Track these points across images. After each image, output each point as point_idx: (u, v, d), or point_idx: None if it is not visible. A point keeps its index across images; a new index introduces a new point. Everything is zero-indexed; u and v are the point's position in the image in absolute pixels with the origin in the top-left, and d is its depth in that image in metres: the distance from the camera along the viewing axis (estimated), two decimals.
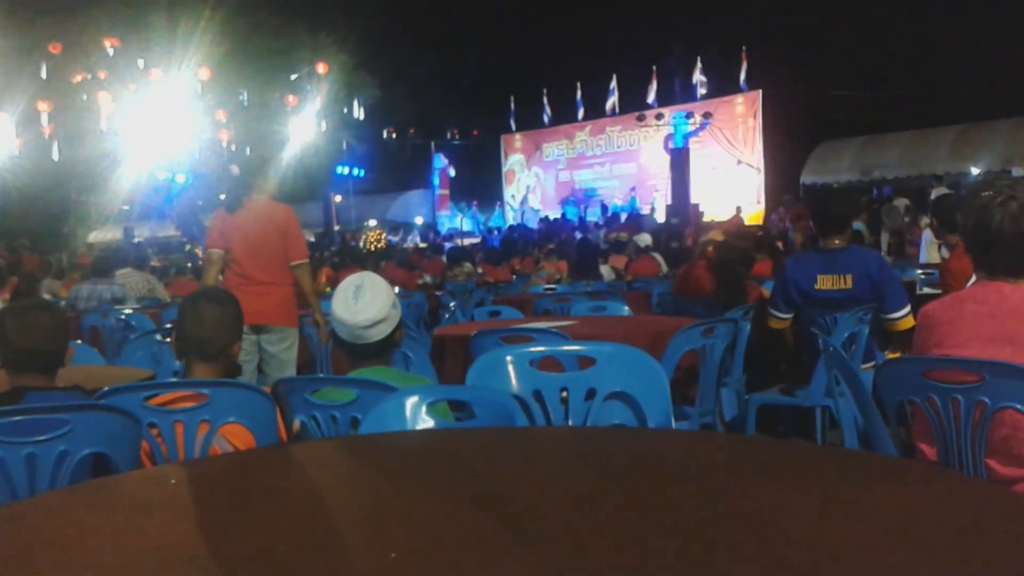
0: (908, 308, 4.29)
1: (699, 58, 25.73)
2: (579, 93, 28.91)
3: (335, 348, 2.82)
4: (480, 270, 11.94)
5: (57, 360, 2.57)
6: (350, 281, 2.68)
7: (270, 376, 4.84)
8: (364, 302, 2.59)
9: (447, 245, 20.03)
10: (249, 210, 5.09)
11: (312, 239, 26.42)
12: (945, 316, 2.38)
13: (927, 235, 13.09)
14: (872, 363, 4.26)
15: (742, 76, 24.95)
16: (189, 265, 12.89)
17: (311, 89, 22.63)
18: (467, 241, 23.45)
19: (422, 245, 23.20)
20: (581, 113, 29.19)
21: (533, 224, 26.85)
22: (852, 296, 4.32)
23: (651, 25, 27.58)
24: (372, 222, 30.08)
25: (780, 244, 10.54)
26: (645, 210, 24.43)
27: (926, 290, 6.68)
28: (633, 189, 26.56)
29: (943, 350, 2.33)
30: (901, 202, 18.01)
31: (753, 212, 23.00)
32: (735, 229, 15.94)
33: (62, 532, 1.35)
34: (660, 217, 22.93)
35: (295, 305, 5.18)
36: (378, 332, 2.62)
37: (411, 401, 2.10)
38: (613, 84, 27.79)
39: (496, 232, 25.74)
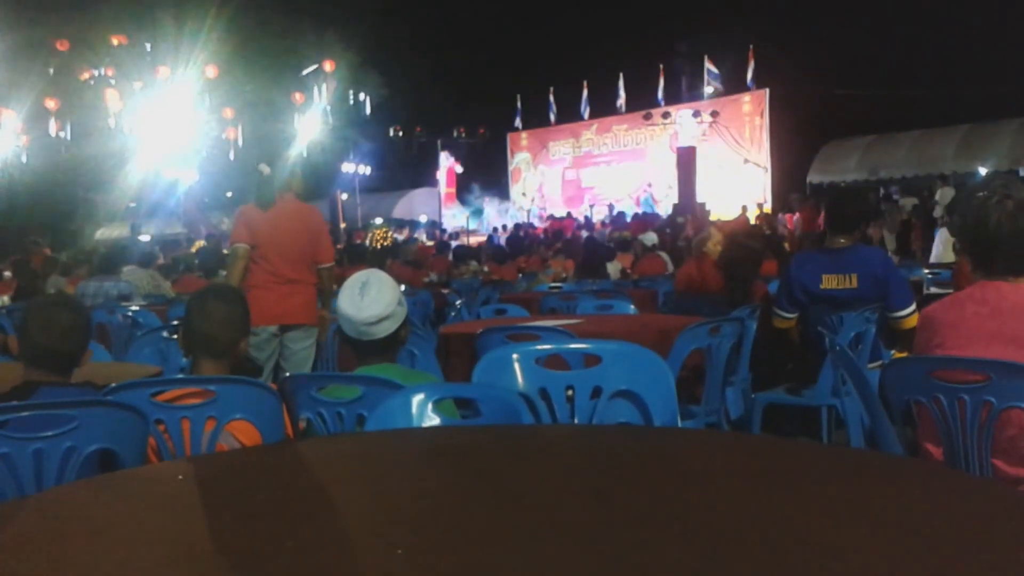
0: (914, 306, 4.28)
1: (706, 57, 25.69)
2: (585, 92, 28.88)
3: (342, 345, 2.82)
4: (486, 268, 11.94)
5: (75, 360, 2.58)
6: (356, 278, 2.68)
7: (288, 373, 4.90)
8: (370, 299, 2.60)
9: (453, 243, 20.03)
10: (281, 209, 5.12)
11: None
12: (946, 317, 2.37)
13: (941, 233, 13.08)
14: (879, 362, 4.25)
15: (749, 75, 24.90)
16: (196, 262, 12.88)
17: (318, 87, 22.65)
18: (473, 240, 23.45)
19: (428, 243, 23.20)
20: (587, 112, 29.16)
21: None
22: (858, 295, 4.31)
23: (658, 24, 27.59)
24: (378, 220, 30.10)
25: (787, 244, 10.51)
26: (659, 208, 24.40)
27: (933, 289, 6.67)
28: (649, 185, 26.51)
29: (945, 351, 2.32)
30: (908, 201, 17.97)
31: (757, 214, 22.95)
32: (742, 228, 15.91)
33: (68, 528, 1.36)
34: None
35: (316, 304, 5.28)
36: (384, 329, 2.62)
37: (417, 398, 2.11)
38: (620, 83, 27.75)
39: (502, 230, 25.73)
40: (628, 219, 22.28)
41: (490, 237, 22.82)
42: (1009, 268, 2.30)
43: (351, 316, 2.61)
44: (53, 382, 2.45)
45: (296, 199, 5.22)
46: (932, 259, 10.10)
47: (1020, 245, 2.26)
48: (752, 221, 20.24)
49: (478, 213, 29.46)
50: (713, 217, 20.87)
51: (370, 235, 26.10)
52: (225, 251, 5.33)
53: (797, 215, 19.24)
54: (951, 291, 4.53)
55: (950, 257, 9.39)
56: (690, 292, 6.40)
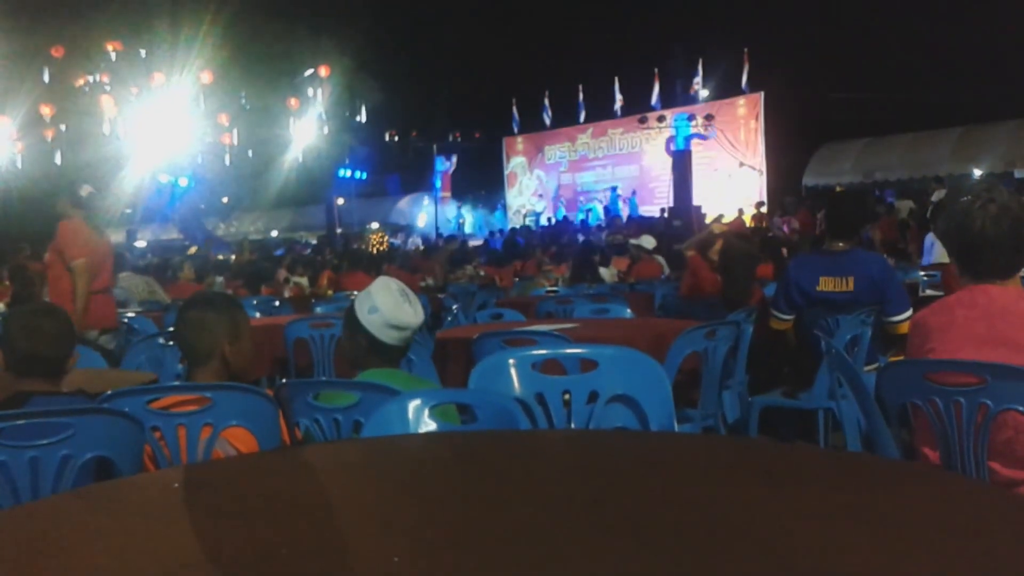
0: (910, 311, 4.29)
1: (701, 60, 25.73)
2: (581, 95, 28.89)
3: (338, 350, 2.82)
4: (482, 272, 11.94)
5: (61, 365, 2.58)
6: (390, 287, 2.67)
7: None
8: (418, 305, 2.67)
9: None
10: (95, 225, 5.74)
11: (314, 242, 26.50)
12: (936, 323, 2.38)
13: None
14: (875, 365, 4.25)
15: (744, 78, 24.93)
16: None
17: (313, 92, 22.65)
18: (470, 244, 23.45)
19: (423, 248, 23.20)
20: (583, 115, 29.16)
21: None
22: (854, 298, 4.31)
23: (653, 27, 27.62)
24: (374, 225, 30.07)
25: (784, 250, 10.52)
26: (646, 212, 24.43)
27: (928, 292, 6.68)
28: (634, 192, 26.55)
29: (936, 356, 2.33)
30: (905, 204, 17.98)
31: (754, 214, 22.95)
32: (738, 230, 15.92)
33: (65, 536, 1.35)
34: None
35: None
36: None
37: (414, 404, 2.11)
38: (615, 86, 27.78)
39: (499, 234, 25.74)
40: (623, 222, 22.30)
41: (486, 241, 22.82)
42: (994, 271, 2.31)
43: (408, 323, 2.62)
44: (45, 391, 2.45)
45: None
46: (925, 261, 10.08)
47: (1004, 248, 2.28)
48: (748, 223, 20.28)
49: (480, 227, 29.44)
50: (708, 220, 20.88)
51: (366, 240, 26.10)
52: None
53: (793, 218, 19.25)
54: (943, 293, 4.54)
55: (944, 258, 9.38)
56: (695, 295, 6.42)
